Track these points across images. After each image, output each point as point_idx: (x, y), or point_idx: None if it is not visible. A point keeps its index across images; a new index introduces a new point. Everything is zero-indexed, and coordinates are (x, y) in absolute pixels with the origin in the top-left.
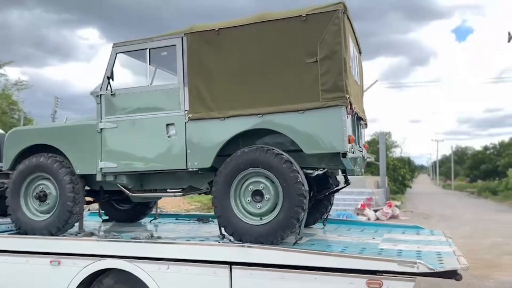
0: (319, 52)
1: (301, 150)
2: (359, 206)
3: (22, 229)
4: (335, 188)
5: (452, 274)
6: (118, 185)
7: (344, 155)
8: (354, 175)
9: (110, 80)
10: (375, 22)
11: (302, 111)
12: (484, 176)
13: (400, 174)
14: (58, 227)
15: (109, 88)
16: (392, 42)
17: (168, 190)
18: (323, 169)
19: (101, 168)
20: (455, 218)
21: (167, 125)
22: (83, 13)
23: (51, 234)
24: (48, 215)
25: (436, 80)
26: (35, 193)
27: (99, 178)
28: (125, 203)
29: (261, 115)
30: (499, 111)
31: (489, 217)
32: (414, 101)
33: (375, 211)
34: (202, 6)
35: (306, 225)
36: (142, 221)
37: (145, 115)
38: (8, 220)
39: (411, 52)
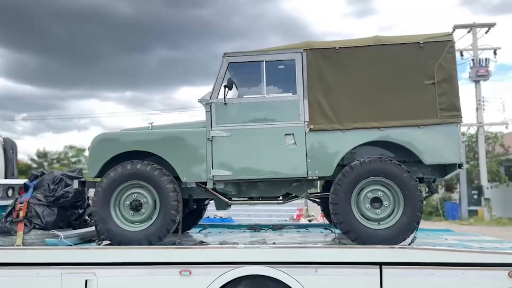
0: (436, 75)
1: (403, 161)
2: (294, 216)
3: (115, 240)
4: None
5: None
6: (215, 193)
7: (460, 165)
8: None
9: (227, 89)
10: (258, 41)
11: (422, 126)
12: None
13: None
14: (159, 237)
15: (220, 96)
16: None
17: (254, 197)
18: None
19: (213, 176)
20: None
21: (286, 134)
22: None
23: (151, 244)
24: (145, 225)
25: None
26: (128, 202)
27: (210, 185)
28: None
29: (382, 129)
30: None
31: None
32: None
33: (310, 221)
34: (77, 7)
35: None
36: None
37: (263, 125)
38: (77, 232)
39: None
